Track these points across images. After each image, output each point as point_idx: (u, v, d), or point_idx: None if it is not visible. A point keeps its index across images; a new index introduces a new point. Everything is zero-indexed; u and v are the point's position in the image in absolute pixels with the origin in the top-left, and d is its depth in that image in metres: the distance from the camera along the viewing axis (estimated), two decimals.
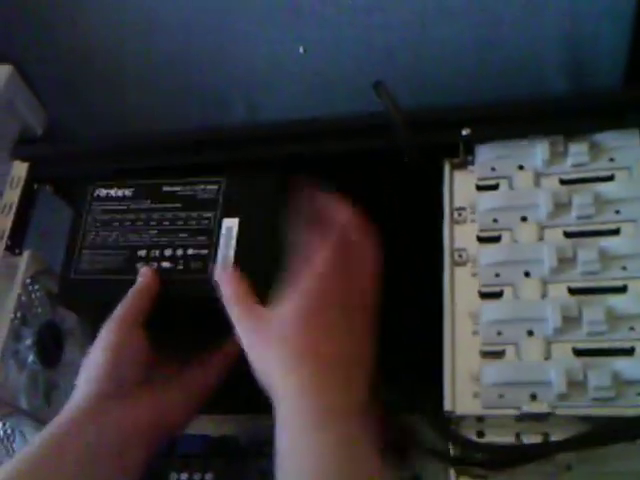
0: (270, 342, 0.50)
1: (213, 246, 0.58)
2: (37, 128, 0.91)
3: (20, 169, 0.66)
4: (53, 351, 0.67)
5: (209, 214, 0.60)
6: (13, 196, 0.65)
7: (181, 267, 0.58)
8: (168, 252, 0.59)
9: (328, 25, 0.73)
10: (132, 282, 0.58)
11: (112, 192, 0.63)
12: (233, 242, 0.58)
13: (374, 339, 0.51)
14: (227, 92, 0.83)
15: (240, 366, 0.68)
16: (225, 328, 0.54)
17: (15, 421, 0.62)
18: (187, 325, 0.60)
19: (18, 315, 0.62)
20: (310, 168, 0.63)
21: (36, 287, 0.65)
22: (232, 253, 0.58)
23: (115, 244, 0.60)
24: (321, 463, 0.44)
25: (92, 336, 0.66)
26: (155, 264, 0.59)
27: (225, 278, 0.55)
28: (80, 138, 0.87)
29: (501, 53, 0.69)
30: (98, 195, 0.63)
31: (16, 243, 0.64)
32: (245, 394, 0.69)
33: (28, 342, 0.64)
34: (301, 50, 0.76)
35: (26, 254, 0.63)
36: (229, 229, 0.59)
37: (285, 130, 0.64)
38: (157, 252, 0.59)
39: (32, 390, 0.64)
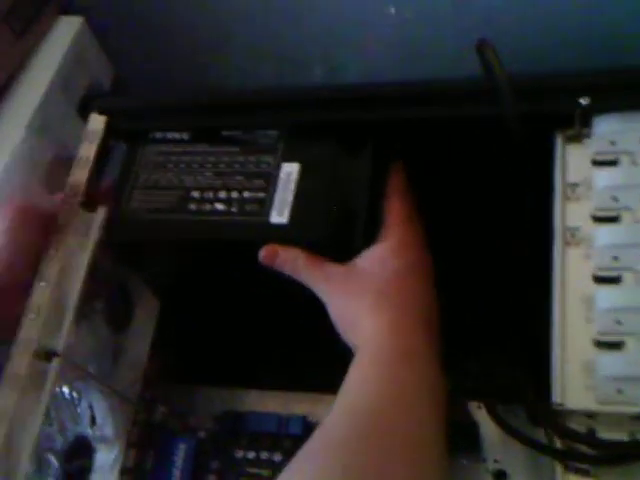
0: (356, 289, 0.51)
1: (271, 190, 0.56)
2: (105, 83, 0.88)
3: (98, 122, 0.63)
4: (123, 315, 0.64)
5: (268, 158, 0.57)
6: (89, 150, 0.61)
7: (235, 209, 0.56)
8: (222, 194, 0.57)
9: None
10: (183, 222, 0.56)
11: (169, 135, 0.61)
12: (292, 187, 0.55)
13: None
14: (306, 51, 0.78)
15: (311, 345, 0.66)
16: (277, 274, 0.53)
17: (82, 385, 0.59)
18: (239, 271, 0.59)
19: (90, 275, 0.59)
20: (401, 135, 0.59)
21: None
22: (290, 198, 0.55)
23: (168, 185, 0.58)
24: (402, 394, 0.46)
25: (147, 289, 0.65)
26: (209, 206, 0.56)
27: (282, 254, 0.53)
28: (149, 95, 0.84)
29: (613, 16, 0.64)
30: (154, 137, 0.61)
31: (91, 199, 0.60)
32: (316, 371, 0.66)
33: (99, 304, 0.61)
34: (392, 10, 0.72)
35: (101, 211, 0.59)
36: (288, 174, 0.56)
37: (367, 94, 0.60)
38: (211, 194, 0.57)
39: (101, 354, 0.61)
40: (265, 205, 0.55)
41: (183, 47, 0.83)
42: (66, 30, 0.83)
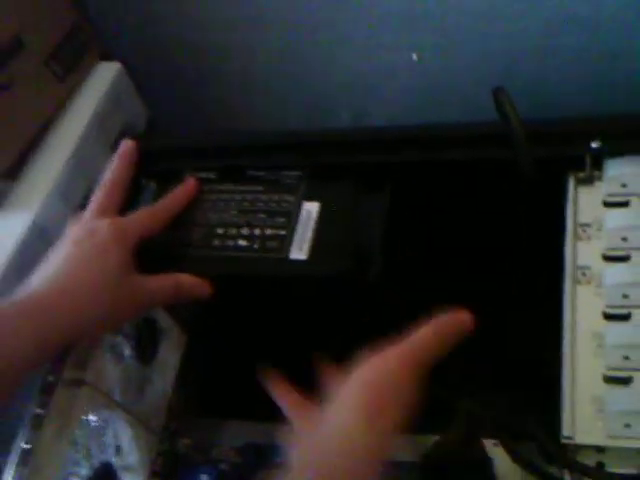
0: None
1: (291, 228, 0.58)
2: (139, 124, 0.92)
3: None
4: (149, 347, 0.66)
5: (290, 197, 0.60)
6: None
7: (257, 246, 0.58)
8: (245, 231, 0.59)
9: (445, 32, 0.71)
10: (207, 257, 0.59)
11: (197, 174, 0.64)
12: (312, 224, 0.58)
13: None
14: (333, 97, 0.82)
15: None
16: (297, 309, 0.55)
17: (108, 413, 0.61)
18: (260, 305, 0.61)
19: None
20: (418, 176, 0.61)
21: None
22: (310, 235, 0.57)
23: (195, 221, 0.61)
24: None
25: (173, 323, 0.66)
26: (232, 242, 0.59)
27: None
28: (179, 137, 0.87)
29: (631, 66, 0.66)
30: (183, 176, 0.64)
31: None
32: None
33: (126, 335, 0.63)
34: (415, 57, 0.74)
35: None
36: (309, 212, 0.58)
37: (383, 137, 0.62)
38: (234, 230, 0.59)
39: (126, 384, 0.63)
40: (285, 242, 0.57)
41: (214, 92, 0.87)
42: (105, 75, 0.87)
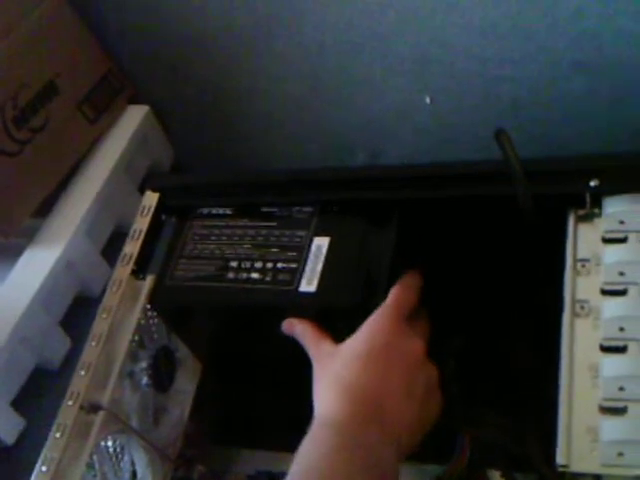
0: (326, 374, 0.55)
1: (302, 261, 0.60)
2: (165, 164, 0.96)
3: (151, 199, 0.69)
4: (165, 376, 0.68)
5: (302, 232, 0.62)
6: (142, 223, 0.68)
7: (269, 278, 0.60)
8: (258, 264, 0.62)
9: (456, 75, 0.74)
10: (221, 289, 0.61)
11: (213, 210, 0.67)
12: (322, 259, 0.60)
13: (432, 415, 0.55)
14: (349, 138, 0.85)
15: None
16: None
17: (125, 439, 0.64)
18: (271, 336, 0.62)
19: (136, 338, 0.64)
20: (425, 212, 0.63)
21: (154, 313, 0.66)
22: (320, 269, 0.59)
23: (210, 255, 0.64)
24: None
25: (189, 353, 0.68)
26: (245, 275, 0.61)
27: (297, 325, 0.59)
28: (199, 174, 0.90)
29: (633, 110, 0.68)
30: (201, 212, 0.67)
31: (141, 268, 0.66)
32: None
33: (143, 365, 0.65)
34: (427, 100, 0.77)
35: (149, 279, 0.65)
36: (319, 247, 0.61)
37: (393, 174, 0.64)
38: (248, 264, 0.62)
39: (143, 411, 0.65)
40: (296, 275, 0.60)
41: (236, 133, 0.90)
42: (133, 117, 0.91)
